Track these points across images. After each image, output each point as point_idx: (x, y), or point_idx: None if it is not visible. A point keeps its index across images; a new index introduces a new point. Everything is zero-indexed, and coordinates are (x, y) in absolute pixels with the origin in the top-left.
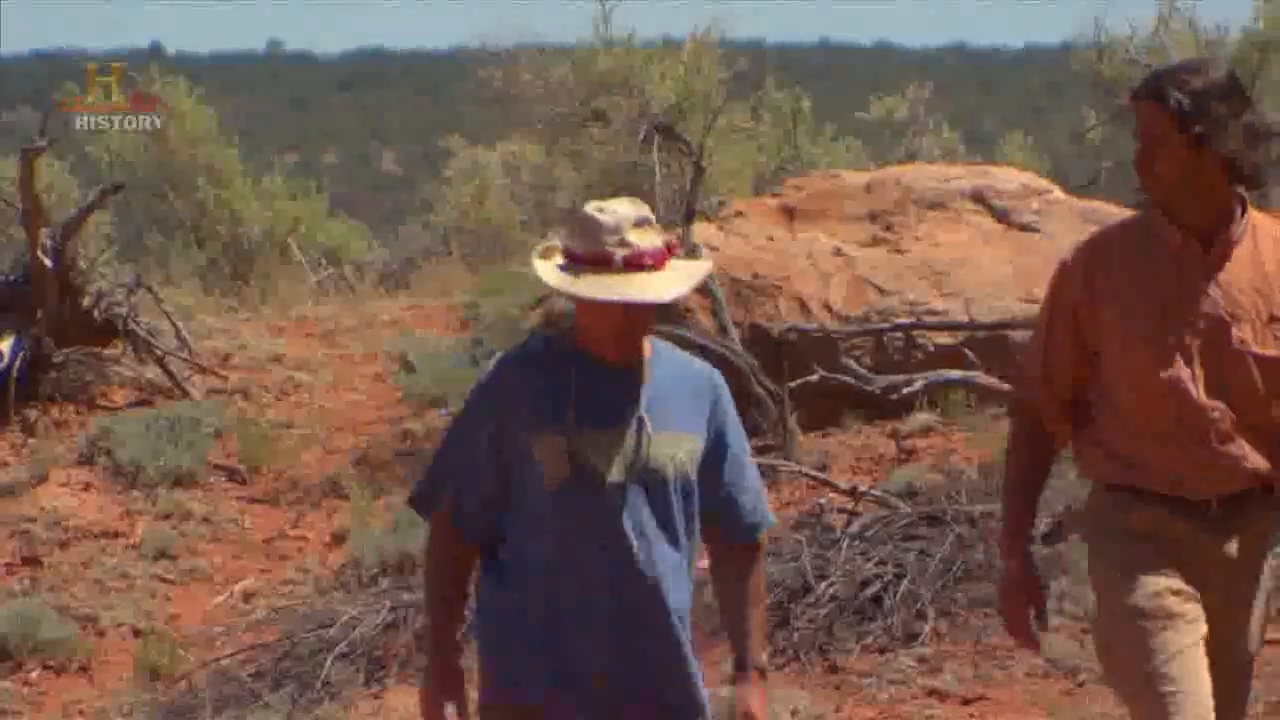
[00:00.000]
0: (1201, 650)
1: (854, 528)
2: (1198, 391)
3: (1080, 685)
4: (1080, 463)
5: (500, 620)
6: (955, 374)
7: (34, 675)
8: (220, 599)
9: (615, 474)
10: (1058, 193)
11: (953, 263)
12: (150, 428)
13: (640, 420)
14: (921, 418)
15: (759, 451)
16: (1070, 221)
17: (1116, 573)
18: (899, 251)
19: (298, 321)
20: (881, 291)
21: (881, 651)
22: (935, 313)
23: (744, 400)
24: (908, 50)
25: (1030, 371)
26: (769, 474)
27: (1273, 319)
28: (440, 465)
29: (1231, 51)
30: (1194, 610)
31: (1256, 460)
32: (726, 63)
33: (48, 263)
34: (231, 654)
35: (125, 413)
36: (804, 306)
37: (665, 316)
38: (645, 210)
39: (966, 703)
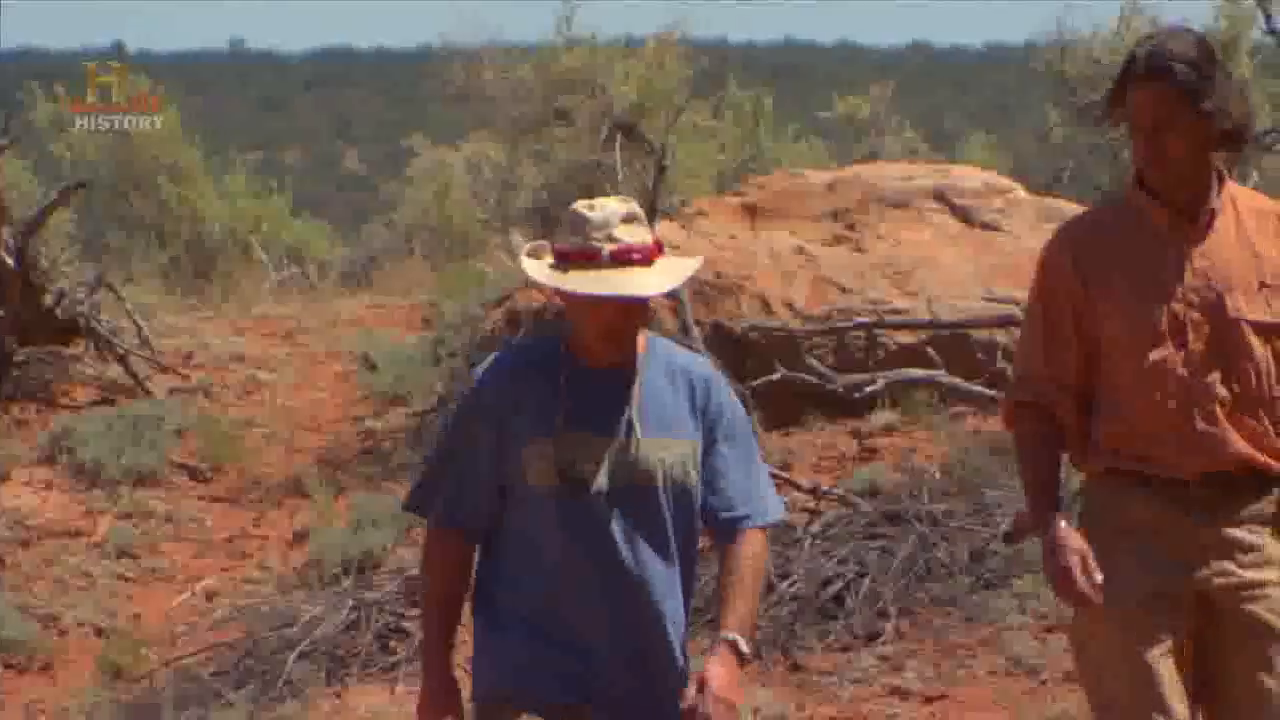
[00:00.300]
0: (1170, 662)
1: (816, 527)
2: (1192, 371)
3: (1042, 684)
4: (1073, 453)
5: (498, 622)
6: (917, 373)
7: None
8: (182, 598)
9: (602, 481)
10: (1020, 191)
11: (915, 262)
12: (112, 427)
13: (629, 424)
14: (883, 417)
15: None
16: (1032, 221)
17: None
18: (861, 250)
19: (260, 320)
20: (844, 290)
21: (843, 650)
22: (897, 311)
23: None
24: (870, 49)
25: (1031, 371)
26: None
27: (1262, 285)
28: (433, 469)
29: None
30: (1171, 620)
31: (1238, 443)
32: (689, 62)
33: (9, 261)
34: (193, 653)
35: (87, 411)
36: (766, 305)
37: None
38: (634, 207)
39: (928, 701)
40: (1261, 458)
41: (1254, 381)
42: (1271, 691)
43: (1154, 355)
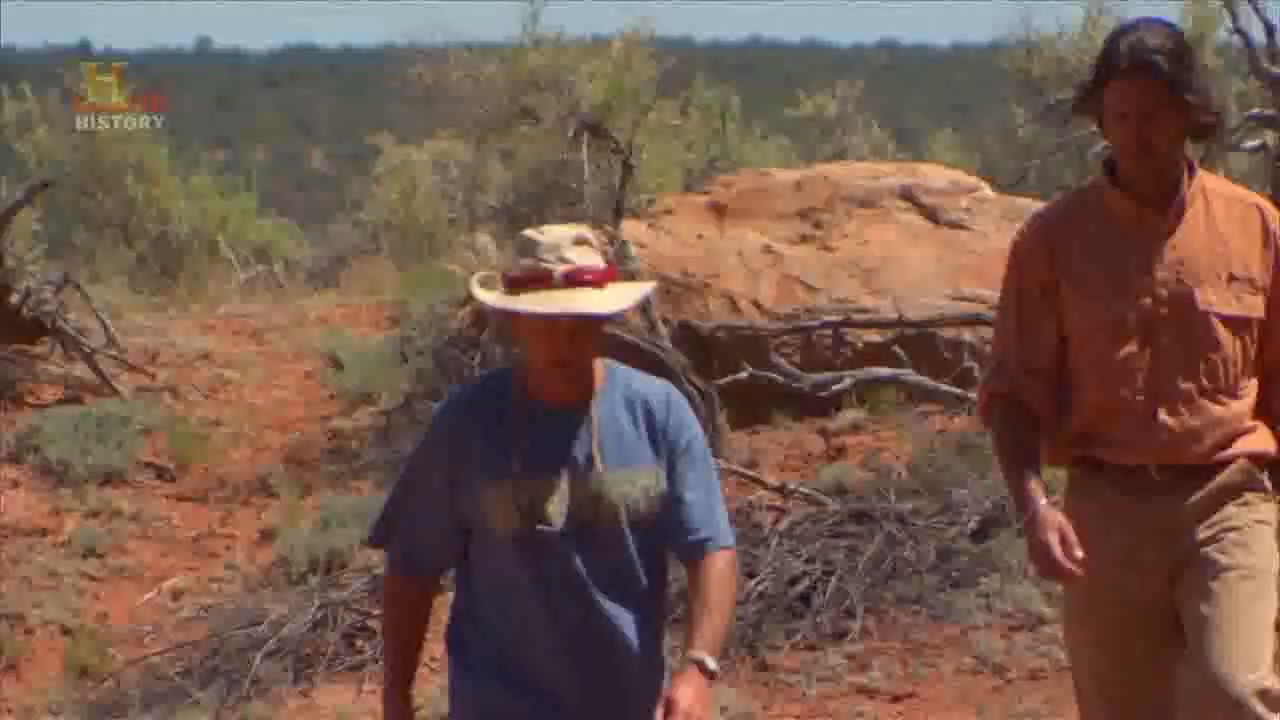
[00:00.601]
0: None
1: (783, 525)
2: (1159, 363)
3: (1008, 682)
4: (1045, 440)
5: (469, 666)
6: (884, 371)
7: None
8: (149, 597)
9: (564, 521)
10: (987, 190)
11: (882, 260)
12: (78, 426)
13: (589, 461)
14: (850, 415)
15: None
16: (999, 219)
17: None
18: (828, 249)
19: (226, 319)
20: (810, 289)
21: (810, 649)
22: (864, 310)
23: None
24: (836, 48)
25: (1005, 360)
26: None
27: (1232, 278)
28: (392, 507)
29: None
30: (1147, 624)
31: (1200, 440)
32: (655, 61)
33: None
34: (160, 652)
35: (53, 410)
36: (733, 304)
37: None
38: (585, 231)
39: (895, 700)
40: (1224, 455)
41: (1221, 374)
42: (1207, 619)
43: (1121, 347)
